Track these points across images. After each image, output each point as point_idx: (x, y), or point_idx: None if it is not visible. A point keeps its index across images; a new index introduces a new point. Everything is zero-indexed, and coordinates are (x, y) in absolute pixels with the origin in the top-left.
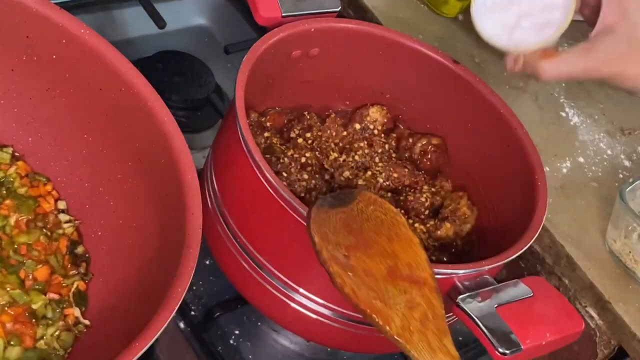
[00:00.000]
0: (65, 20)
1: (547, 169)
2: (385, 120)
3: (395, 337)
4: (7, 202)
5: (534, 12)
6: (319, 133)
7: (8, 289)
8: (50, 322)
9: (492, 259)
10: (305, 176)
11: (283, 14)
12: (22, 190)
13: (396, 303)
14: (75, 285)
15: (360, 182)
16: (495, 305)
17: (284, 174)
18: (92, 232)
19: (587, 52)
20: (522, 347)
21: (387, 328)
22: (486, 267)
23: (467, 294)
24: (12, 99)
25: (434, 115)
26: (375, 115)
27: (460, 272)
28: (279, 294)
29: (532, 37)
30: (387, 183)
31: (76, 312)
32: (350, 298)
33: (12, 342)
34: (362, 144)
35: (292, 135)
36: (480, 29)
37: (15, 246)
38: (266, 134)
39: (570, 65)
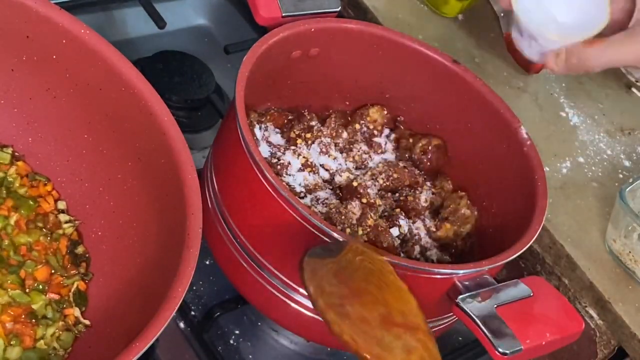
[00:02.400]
0: (65, 20)
1: (547, 169)
2: (385, 121)
3: None
4: (7, 202)
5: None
6: (319, 133)
7: (8, 289)
8: (50, 322)
9: (492, 259)
10: (306, 176)
11: (283, 14)
12: (22, 191)
13: (394, 347)
14: (75, 285)
15: (359, 182)
16: (495, 305)
17: (284, 174)
18: (92, 232)
19: (633, 35)
20: (522, 347)
21: None
22: (486, 267)
23: (467, 294)
24: (12, 99)
25: (434, 115)
26: (375, 115)
27: (460, 272)
28: (279, 294)
29: (578, 28)
30: (387, 183)
31: (76, 312)
32: (350, 345)
33: (12, 342)
34: (362, 144)
35: (292, 135)
36: (527, 24)
37: (16, 246)
38: (265, 134)
39: (619, 50)
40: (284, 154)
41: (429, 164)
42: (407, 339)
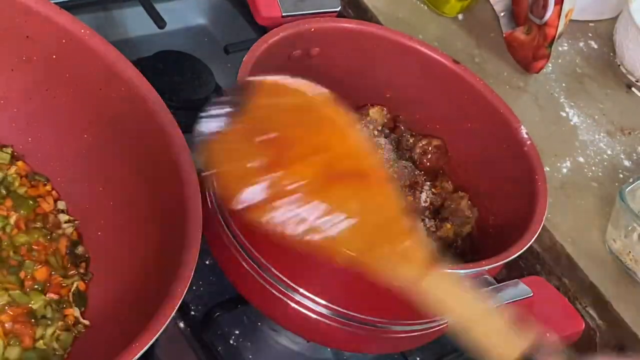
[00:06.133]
0: (65, 20)
1: (547, 169)
2: (385, 121)
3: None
4: (7, 202)
5: None
6: None
7: (8, 289)
8: (49, 322)
9: (492, 259)
10: None
11: (283, 14)
12: (22, 190)
13: (346, 211)
14: (75, 285)
15: None
16: (495, 305)
17: None
18: (92, 232)
19: None
20: None
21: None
22: (486, 267)
23: None
24: (12, 99)
25: (434, 115)
26: (375, 115)
27: (460, 272)
28: (279, 294)
29: None
30: None
31: (76, 312)
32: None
33: (11, 342)
34: None
35: None
36: None
37: (15, 246)
38: None
39: None
40: None
41: (429, 164)
42: (361, 193)
